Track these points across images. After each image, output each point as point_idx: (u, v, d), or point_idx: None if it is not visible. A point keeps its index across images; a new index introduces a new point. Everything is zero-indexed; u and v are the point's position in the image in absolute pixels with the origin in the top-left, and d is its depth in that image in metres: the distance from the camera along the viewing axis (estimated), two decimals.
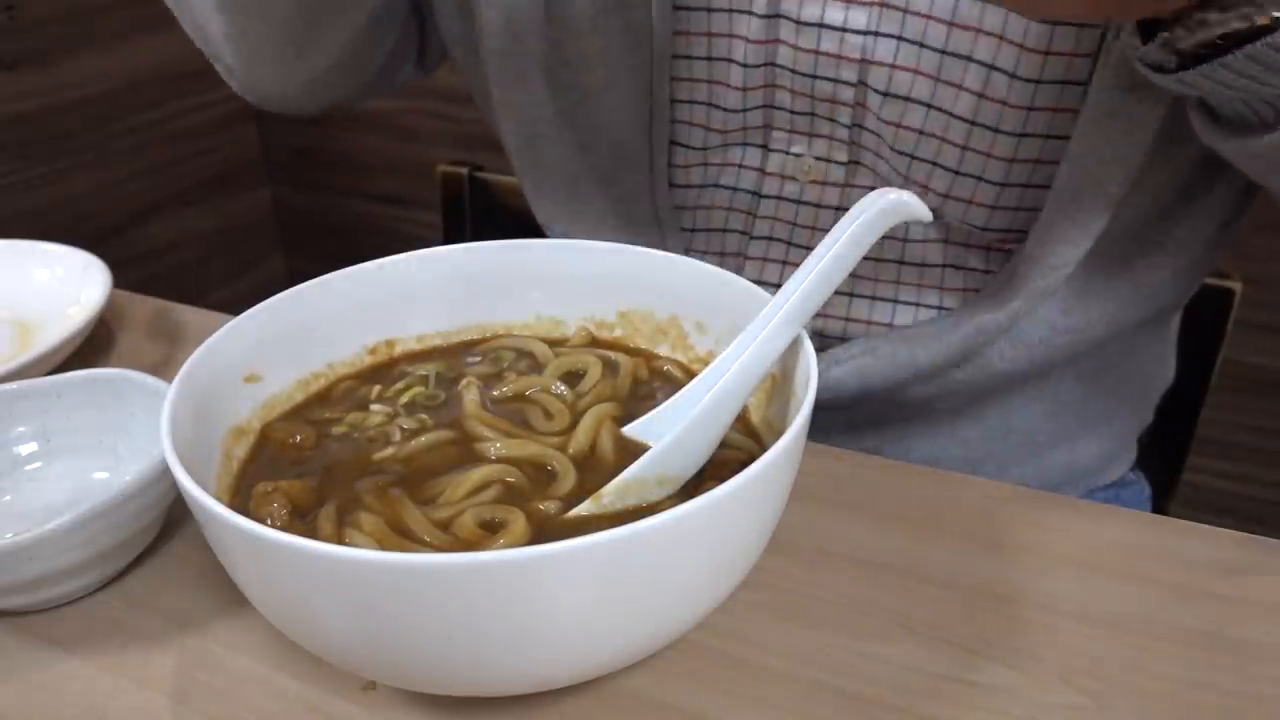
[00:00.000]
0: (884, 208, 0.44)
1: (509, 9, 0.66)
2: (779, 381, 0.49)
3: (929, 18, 0.58)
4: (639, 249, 0.56)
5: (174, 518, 0.53)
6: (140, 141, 1.96)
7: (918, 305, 0.67)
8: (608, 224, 0.72)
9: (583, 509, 0.44)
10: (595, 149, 0.70)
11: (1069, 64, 0.56)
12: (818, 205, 0.68)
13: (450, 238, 1.17)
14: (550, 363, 0.55)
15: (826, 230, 0.68)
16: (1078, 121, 0.56)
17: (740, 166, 0.69)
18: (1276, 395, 1.53)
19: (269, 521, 0.43)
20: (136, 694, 0.44)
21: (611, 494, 0.44)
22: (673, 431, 0.46)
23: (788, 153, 0.67)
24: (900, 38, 0.59)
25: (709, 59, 0.64)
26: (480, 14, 0.67)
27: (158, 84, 1.95)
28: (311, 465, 0.48)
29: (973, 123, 0.59)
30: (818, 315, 0.66)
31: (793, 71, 0.63)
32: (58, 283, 0.75)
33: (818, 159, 0.66)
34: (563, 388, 0.53)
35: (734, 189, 0.70)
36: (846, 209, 0.67)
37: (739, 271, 0.68)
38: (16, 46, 1.71)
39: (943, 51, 0.58)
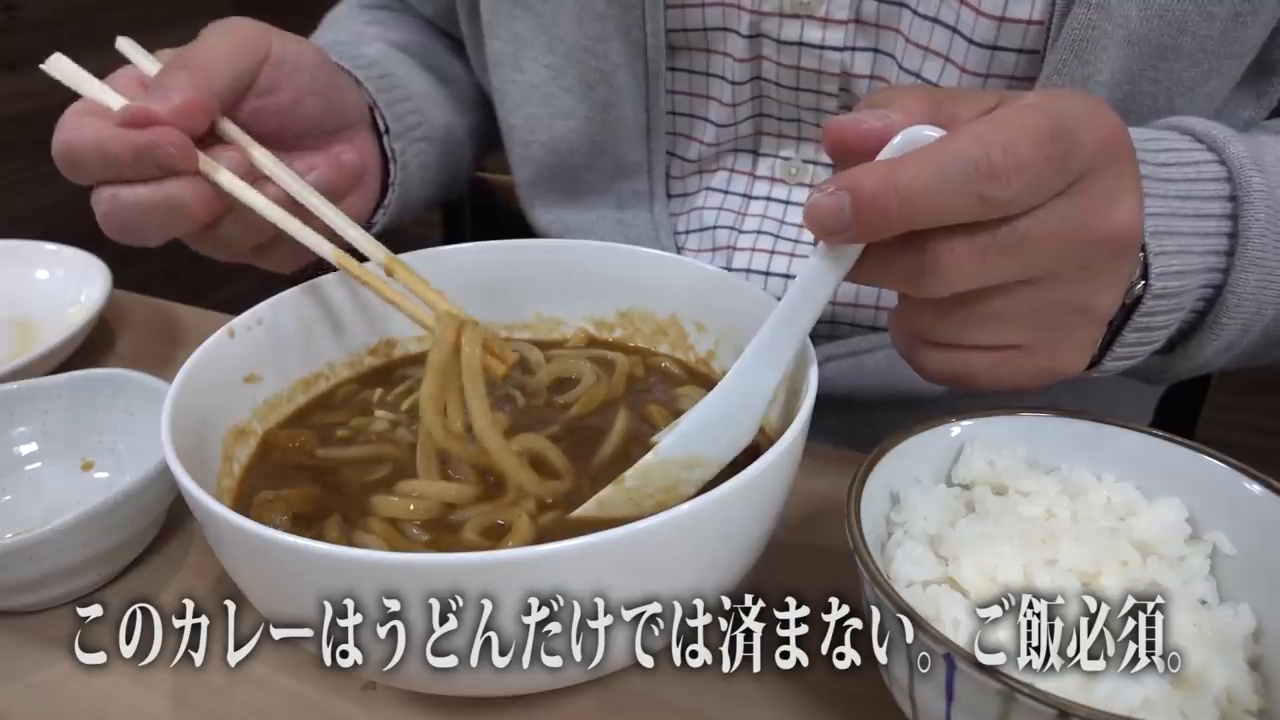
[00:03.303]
0: None
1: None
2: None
3: (897, 31, 0.60)
4: (639, 249, 0.56)
5: (174, 518, 0.53)
6: None
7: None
8: (604, 231, 0.74)
9: (604, 494, 0.44)
10: (599, 159, 0.71)
11: (1008, 86, 0.57)
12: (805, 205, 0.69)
13: (450, 238, 1.17)
14: (541, 368, 0.55)
15: None
16: None
17: (731, 171, 0.71)
18: (1276, 395, 1.52)
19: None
20: (135, 694, 0.44)
21: (634, 477, 0.44)
22: (696, 407, 0.45)
23: (777, 156, 0.70)
24: (876, 50, 0.61)
25: (707, 74, 0.67)
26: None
27: None
28: (314, 472, 0.48)
29: None
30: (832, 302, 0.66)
31: (778, 85, 0.65)
32: (58, 283, 0.75)
33: (805, 161, 0.69)
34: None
35: (725, 191, 0.72)
36: None
37: (730, 262, 0.69)
38: (16, 46, 1.71)
39: (906, 70, 0.60)
